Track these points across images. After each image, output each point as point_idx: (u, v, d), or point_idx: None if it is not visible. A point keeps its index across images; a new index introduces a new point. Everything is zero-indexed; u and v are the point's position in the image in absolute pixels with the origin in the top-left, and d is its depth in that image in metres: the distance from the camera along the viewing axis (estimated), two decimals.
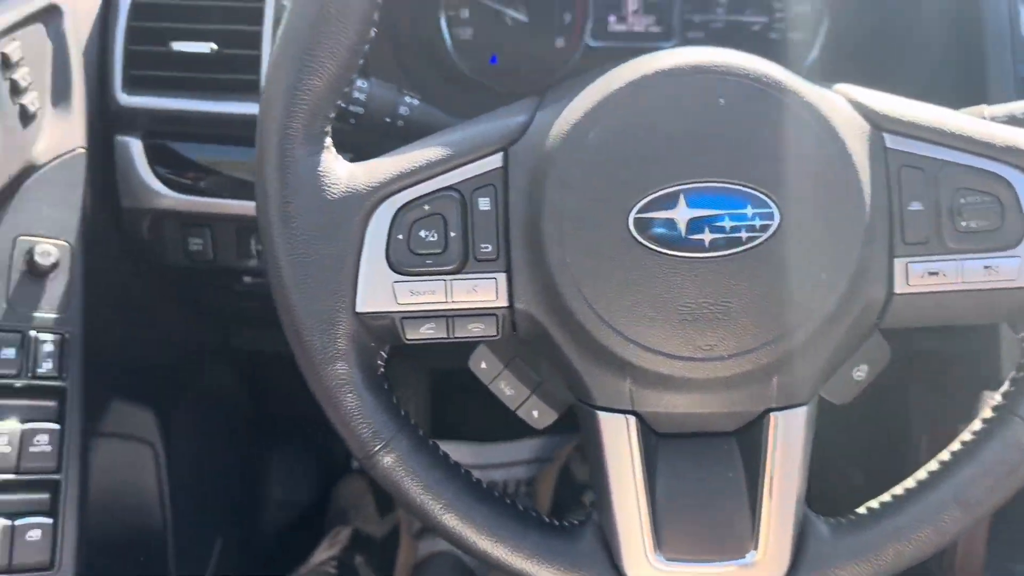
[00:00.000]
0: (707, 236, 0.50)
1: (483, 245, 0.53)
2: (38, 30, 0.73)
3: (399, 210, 0.53)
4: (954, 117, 0.55)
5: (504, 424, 0.71)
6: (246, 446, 1.36)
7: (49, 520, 0.71)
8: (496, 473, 1.46)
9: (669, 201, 0.50)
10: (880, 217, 0.52)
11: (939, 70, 0.85)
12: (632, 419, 0.54)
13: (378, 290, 0.53)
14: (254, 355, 1.25)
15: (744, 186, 0.50)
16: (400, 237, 0.53)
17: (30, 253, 0.72)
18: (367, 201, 0.53)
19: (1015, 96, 0.72)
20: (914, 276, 0.53)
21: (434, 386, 1.49)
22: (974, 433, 0.57)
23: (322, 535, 1.29)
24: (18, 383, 0.72)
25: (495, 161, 0.53)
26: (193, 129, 0.82)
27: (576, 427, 0.58)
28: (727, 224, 0.50)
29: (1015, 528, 1.00)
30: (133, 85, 0.81)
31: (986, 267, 0.53)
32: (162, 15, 0.80)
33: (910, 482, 0.58)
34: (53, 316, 0.73)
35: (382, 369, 0.57)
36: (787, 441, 0.54)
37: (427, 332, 0.55)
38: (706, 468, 0.56)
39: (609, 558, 0.56)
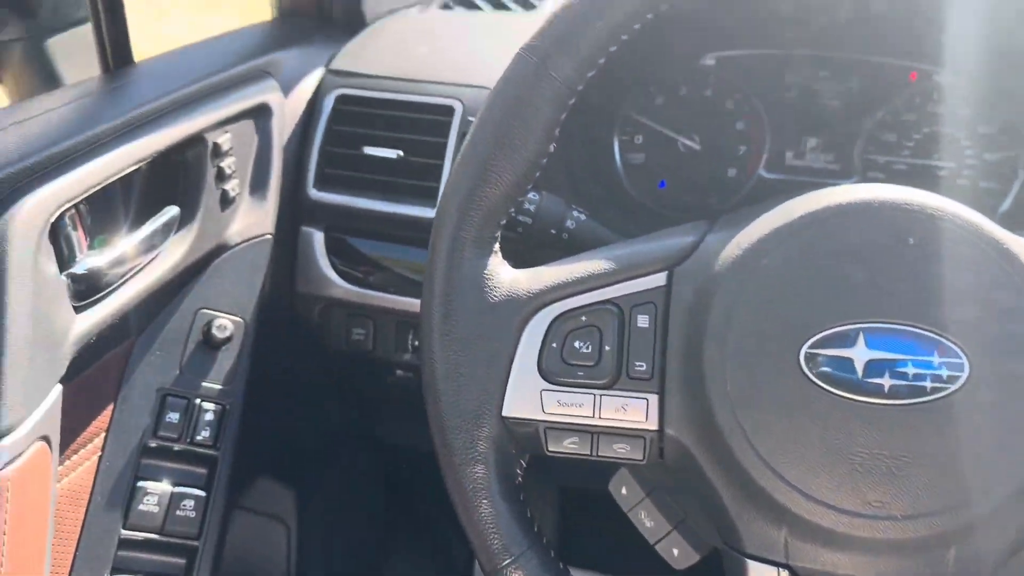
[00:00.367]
0: (887, 381, 0.46)
1: (638, 363, 0.52)
2: (248, 125, 0.81)
3: (556, 318, 0.53)
4: None
5: (639, 558, 0.66)
6: (375, 536, 1.36)
7: None
8: None
9: (846, 339, 0.47)
10: None
11: None
12: (785, 574, 0.49)
13: (526, 396, 0.53)
14: (396, 448, 1.27)
15: (932, 331, 0.46)
16: (554, 345, 0.53)
17: (208, 325, 0.77)
18: (526, 307, 0.53)
19: None
20: None
21: (566, 504, 1.44)
22: None
23: None
24: (177, 447, 0.76)
25: (658, 279, 0.52)
26: (371, 227, 0.87)
27: (720, 573, 0.53)
28: (910, 370, 0.46)
29: None
30: (323, 182, 0.87)
31: None
32: (358, 122, 0.87)
33: None
34: (218, 387, 0.77)
35: (520, 479, 0.56)
36: None
37: (570, 446, 0.53)
38: None
39: None
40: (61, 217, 0.61)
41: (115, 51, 0.78)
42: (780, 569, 0.49)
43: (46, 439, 0.59)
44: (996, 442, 0.46)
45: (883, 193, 0.50)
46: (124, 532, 0.73)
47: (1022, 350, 0.46)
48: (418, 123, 0.85)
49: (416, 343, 0.88)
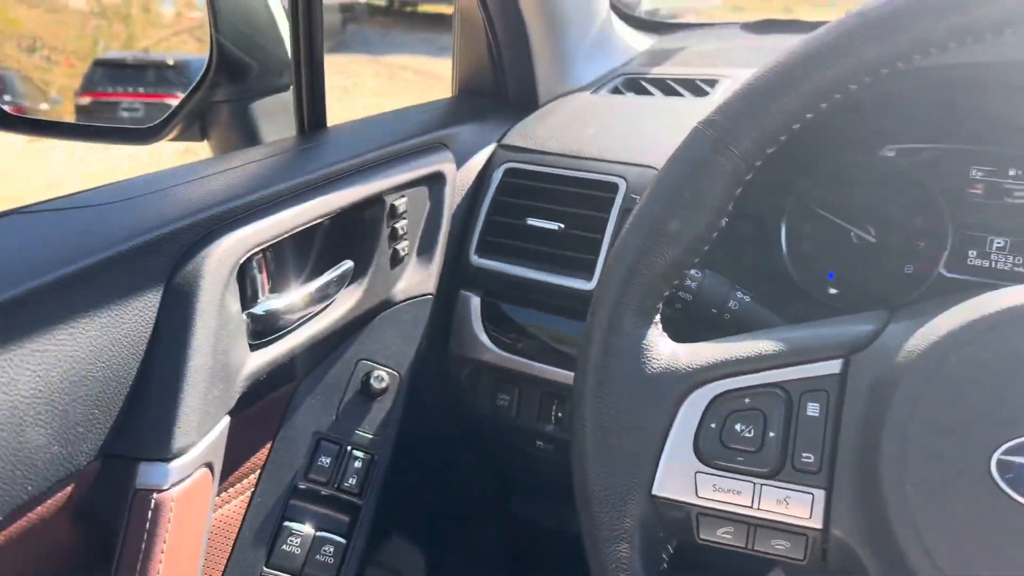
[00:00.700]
0: None
1: (805, 454, 0.48)
2: (422, 190, 0.85)
3: (717, 397, 0.51)
4: None
5: None
6: None
7: None
8: None
9: None
10: None
11: None
12: None
13: (679, 477, 0.50)
14: (529, 523, 1.25)
15: None
16: (713, 426, 0.50)
17: (367, 376, 0.80)
18: (686, 382, 0.51)
19: None
20: None
21: None
22: None
23: None
24: (324, 491, 0.78)
25: (833, 367, 0.49)
26: (526, 295, 0.88)
27: None
28: None
29: None
30: (485, 249, 0.90)
31: None
32: (523, 194, 0.90)
33: None
34: (370, 436, 0.79)
35: (665, 565, 0.53)
36: None
37: (724, 536, 0.50)
38: None
39: None
40: (249, 260, 0.65)
41: (311, 115, 0.85)
42: None
43: (209, 466, 0.62)
44: None
45: None
46: (266, 569, 0.75)
47: None
48: (581, 198, 0.87)
49: (559, 415, 0.87)
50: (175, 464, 0.58)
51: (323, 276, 0.74)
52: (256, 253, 0.66)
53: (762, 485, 0.49)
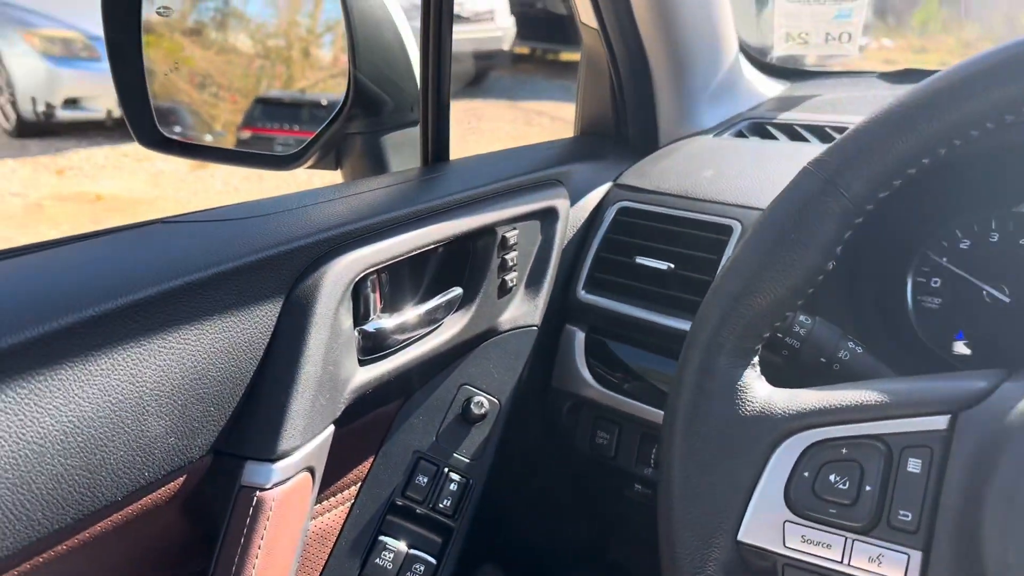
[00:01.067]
0: None
1: (902, 511, 0.46)
2: (535, 224, 0.87)
3: (812, 446, 0.49)
4: None
5: None
6: None
7: None
8: None
9: None
10: None
11: None
12: None
13: (767, 525, 0.49)
14: (625, 572, 1.22)
15: None
16: (806, 475, 0.49)
17: (468, 401, 0.82)
18: (780, 427, 0.50)
19: None
20: None
21: None
22: None
23: None
24: (419, 509, 0.80)
25: (938, 422, 0.47)
26: (632, 333, 0.88)
27: None
28: None
29: None
30: (593, 285, 0.90)
31: None
32: (635, 232, 0.90)
33: None
34: (467, 460, 0.81)
35: None
36: None
37: None
38: None
39: None
40: (364, 279, 0.69)
41: (435, 148, 0.89)
42: None
43: (311, 471, 0.65)
44: None
45: None
46: None
47: None
48: (694, 239, 0.86)
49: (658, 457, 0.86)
50: (279, 465, 0.61)
51: (433, 300, 0.77)
52: (371, 273, 0.69)
53: (854, 540, 0.47)
